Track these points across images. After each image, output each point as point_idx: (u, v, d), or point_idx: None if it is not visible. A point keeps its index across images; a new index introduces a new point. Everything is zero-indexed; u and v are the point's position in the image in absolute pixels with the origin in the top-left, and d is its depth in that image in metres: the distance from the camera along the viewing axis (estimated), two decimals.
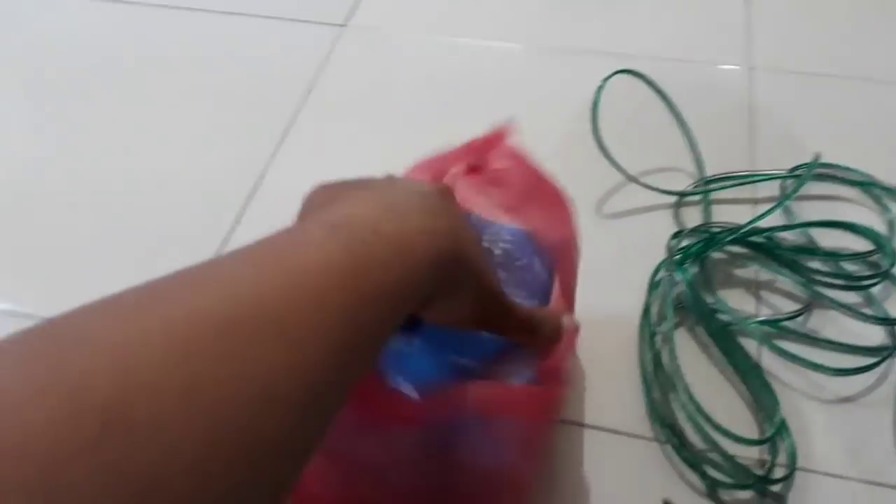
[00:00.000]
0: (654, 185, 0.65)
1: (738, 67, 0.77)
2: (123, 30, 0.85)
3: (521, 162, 0.44)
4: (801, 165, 0.65)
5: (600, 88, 0.63)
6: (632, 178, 0.65)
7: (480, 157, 0.44)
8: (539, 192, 0.44)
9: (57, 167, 0.71)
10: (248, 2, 0.87)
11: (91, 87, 0.78)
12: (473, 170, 0.44)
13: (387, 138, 0.71)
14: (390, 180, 0.35)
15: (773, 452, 0.50)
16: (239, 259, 0.25)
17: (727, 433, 0.49)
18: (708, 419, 0.50)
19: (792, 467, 0.49)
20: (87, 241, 0.65)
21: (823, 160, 0.64)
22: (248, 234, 0.35)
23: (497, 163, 0.44)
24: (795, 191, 0.60)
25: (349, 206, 0.29)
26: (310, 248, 0.26)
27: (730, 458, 0.49)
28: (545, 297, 0.41)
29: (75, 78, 0.80)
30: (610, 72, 0.66)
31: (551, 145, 0.69)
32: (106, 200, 0.68)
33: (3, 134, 0.75)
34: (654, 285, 0.58)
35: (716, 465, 0.49)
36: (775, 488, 0.49)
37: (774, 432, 0.50)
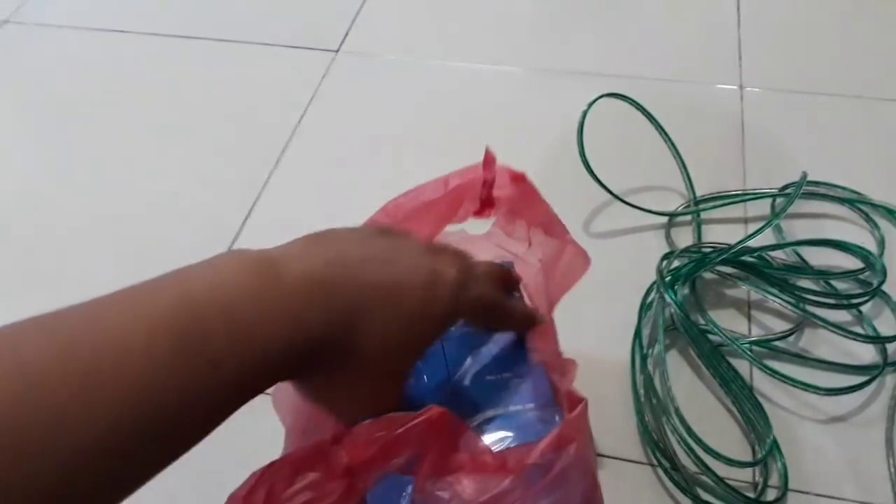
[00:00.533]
0: (645, 205, 0.65)
1: (728, 87, 0.77)
2: (119, 58, 0.86)
3: (520, 185, 0.44)
4: (791, 184, 0.65)
5: (584, 113, 0.64)
6: (621, 199, 0.65)
7: (485, 191, 0.43)
8: (533, 213, 0.44)
9: (54, 194, 0.72)
10: (242, 29, 0.88)
11: (87, 115, 0.79)
12: (484, 205, 0.44)
13: (378, 161, 0.72)
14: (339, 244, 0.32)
15: (765, 474, 0.50)
16: (47, 355, 0.23)
17: (718, 455, 0.49)
18: (699, 441, 0.50)
19: (784, 489, 0.49)
20: (81, 266, 0.66)
21: (813, 178, 0.64)
22: None
23: (499, 191, 0.44)
24: (784, 209, 0.60)
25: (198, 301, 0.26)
26: (126, 354, 0.24)
27: (721, 481, 0.49)
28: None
29: (72, 106, 0.81)
30: (601, 92, 0.66)
31: (541, 166, 0.70)
32: (102, 225, 0.69)
33: (4, 162, 0.76)
34: (645, 307, 0.59)
35: (708, 489, 0.49)
36: None
37: (766, 454, 0.50)
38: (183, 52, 0.86)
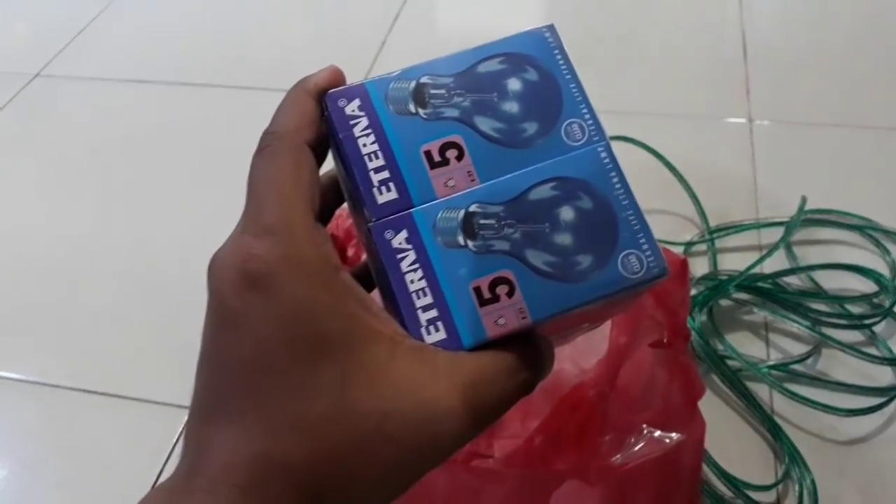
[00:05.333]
0: (661, 237, 0.67)
1: (738, 120, 0.80)
2: (146, 108, 0.89)
3: None
4: (803, 211, 0.67)
5: None
6: None
7: None
8: None
9: (87, 242, 0.74)
10: (262, 76, 0.91)
11: (116, 165, 0.82)
12: None
13: None
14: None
15: (801, 493, 0.51)
16: None
17: (738, 482, 0.50)
18: (717, 467, 0.51)
19: None
20: (116, 313, 0.68)
21: (825, 206, 0.66)
22: None
23: None
24: (791, 230, 0.62)
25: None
26: None
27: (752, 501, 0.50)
28: None
29: (101, 156, 0.84)
30: (612, 129, 0.69)
31: None
32: (137, 272, 0.71)
33: (36, 215, 0.79)
34: None
35: None
36: None
37: (785, 475, 0.51)
38: (207, 100, 0.89)
